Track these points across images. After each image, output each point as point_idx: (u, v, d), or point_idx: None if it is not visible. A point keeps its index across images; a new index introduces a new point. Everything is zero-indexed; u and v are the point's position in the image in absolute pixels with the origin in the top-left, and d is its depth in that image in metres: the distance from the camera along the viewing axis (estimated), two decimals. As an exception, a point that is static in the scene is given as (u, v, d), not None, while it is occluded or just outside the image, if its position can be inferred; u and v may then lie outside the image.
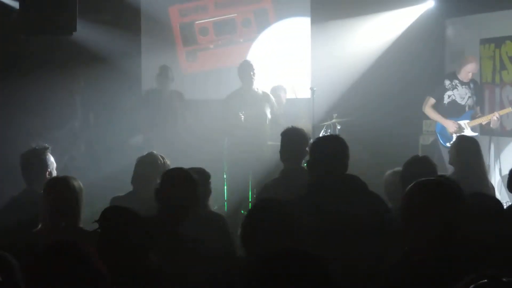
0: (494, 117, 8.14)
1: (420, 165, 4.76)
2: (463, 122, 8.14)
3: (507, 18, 8.74)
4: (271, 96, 8.13)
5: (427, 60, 9.64)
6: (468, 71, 8.18)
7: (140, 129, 8.55)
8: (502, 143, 8.61)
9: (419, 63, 9.61)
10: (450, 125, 8.08)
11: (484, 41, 9.07)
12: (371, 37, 9.73)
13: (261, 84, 8.15)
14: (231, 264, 3.58)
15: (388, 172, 5.33)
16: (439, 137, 8.23)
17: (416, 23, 9.70)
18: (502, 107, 8.76)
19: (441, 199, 2.91)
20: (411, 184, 3.00)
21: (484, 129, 8.99)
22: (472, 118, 8.20)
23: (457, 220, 2.91)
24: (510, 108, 8.33)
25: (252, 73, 7.91)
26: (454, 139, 7.88)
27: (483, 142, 8.69)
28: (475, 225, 3.29)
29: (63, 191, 4.11)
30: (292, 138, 5.11)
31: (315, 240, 3.47)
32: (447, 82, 8.23)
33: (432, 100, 8.31)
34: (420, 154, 8.24)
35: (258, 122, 7.77)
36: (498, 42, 8.83)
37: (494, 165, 8.55)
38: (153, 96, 8.17)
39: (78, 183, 4.24)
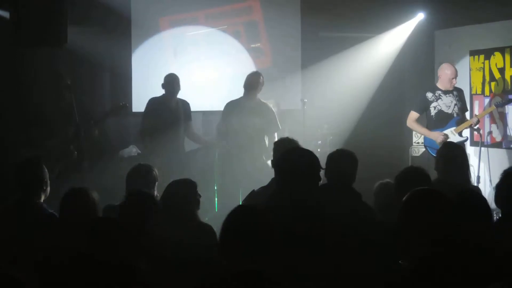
0: (474, 119, 8.13)
1: (415, 175, 4.77)
2: (450, 130, 8.03)
3: (496, 29, 8.80)
4: (269, 107, 8.03)
5: (417, 72, 9.70)
6: (451, 77, 8.05)
7: (132, 140, 8.49)
8: (492, 154, 8.64)
9: (409, 75, 9.68)
10: (436, 137, 8.00)
11: (474, 53, 9.13)
12: (363, 52, 9.79)
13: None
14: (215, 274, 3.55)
15: (378, 183, 5.33)
16: (429, 150, 8.16)
17: (408, 37, 9.76)
18: (492, 118, 8.82)
19: (438, 207, 2.98)
20: (408, 194, 3.07)
21: (473, 141, 9.05)
22: (458, 124, 8.08)
23: (452, 225, 2.98)
24: (494, 106, 8.35)
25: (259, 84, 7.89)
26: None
27: (473, 154, 8.75)
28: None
29: (83, 203, 4.18)
30: (285, 148, 5.09)
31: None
32: (429, 95, 8.10)
33: (414, 114, 8.21)
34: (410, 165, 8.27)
35: (252, 133, 7.74)
36: (487, 53, 8.89)
37: (484, 177, 8.57)
38: (160, 104, 7.94)
39: (96, 194, 4.30)
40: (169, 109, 7.91)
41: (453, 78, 8.08)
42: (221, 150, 7.93)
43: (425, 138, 8.25)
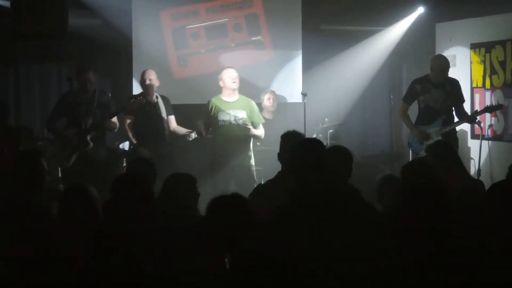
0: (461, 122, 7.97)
1: (421, 167, 4.77)
2: (434, 130, 7.83)
3: (497, 22, 8.79)
4: (251, 102, 8.05)
5: (418, 65, 9.69)
6: (441, 69, 7.84)
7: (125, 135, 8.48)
8: (492, 147, 8.63)
9: (410, 68, 9.67)
10: (418, 134, 7.87)
11: (475, 46, 9.11)
12: (364, 46, 9.78)
13: (251, 90, 8.14)
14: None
15: (379, 176, 5.34)
16: (411, 145, 8.11)
17: (407, 31, 9.75)
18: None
19: (439, 200, 2.98)
20: (408, 187, 3.06)
21: (474, 134, 9.04)
22: (445, 124, 7.85)
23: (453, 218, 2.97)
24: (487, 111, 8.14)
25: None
26: (423, 148, 7.81)
27: (473, 147, 8.74)
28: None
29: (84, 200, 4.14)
30: (292, 142, 5.08)
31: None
32: (418, 87, 7.92)
33: (404, 105, 8.10)
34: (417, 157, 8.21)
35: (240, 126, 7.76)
36: (489, 46, 8.88)
37: (485, 170, 8.55)
38: (139, 102, 7.86)
39: (95, 190, 4.27)
40: (150, 104, 7.89)
41: (443, 70, 7.86)
42: (205, 134, 7.91)
43: (411, 138, 8.10)
